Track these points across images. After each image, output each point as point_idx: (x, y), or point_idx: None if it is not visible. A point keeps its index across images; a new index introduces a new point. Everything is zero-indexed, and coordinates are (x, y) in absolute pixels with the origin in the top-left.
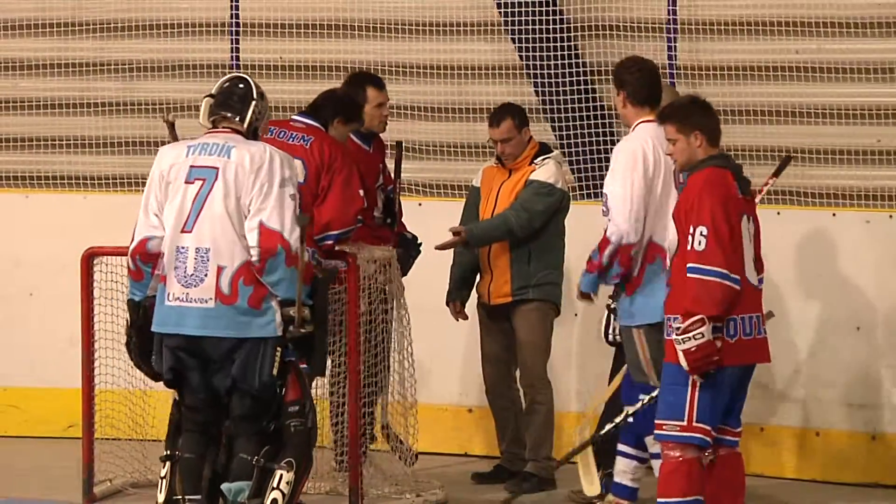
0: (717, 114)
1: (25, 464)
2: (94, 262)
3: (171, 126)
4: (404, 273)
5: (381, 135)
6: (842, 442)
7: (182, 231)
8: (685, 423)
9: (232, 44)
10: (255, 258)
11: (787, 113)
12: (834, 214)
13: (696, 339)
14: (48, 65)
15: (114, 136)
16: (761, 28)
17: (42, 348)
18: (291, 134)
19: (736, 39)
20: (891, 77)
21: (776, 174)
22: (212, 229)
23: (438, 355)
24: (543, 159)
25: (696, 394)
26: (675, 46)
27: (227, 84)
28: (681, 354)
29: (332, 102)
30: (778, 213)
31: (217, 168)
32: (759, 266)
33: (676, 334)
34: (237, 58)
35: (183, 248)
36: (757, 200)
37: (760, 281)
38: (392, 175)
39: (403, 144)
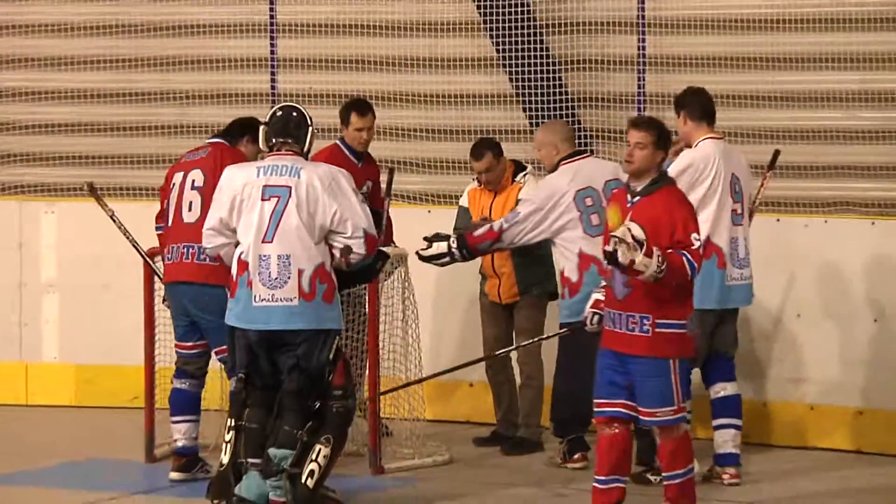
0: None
1: (98, 430)
2: (155, 260)
3: (91, 189)
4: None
5: (385, 159)
6: (833, 414)
7: (263, 242)
8: (675, 408)
9: (271, 76)
10: (358, 259)
11: (753, 103)
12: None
13: (643, 257)
14: (116, 94)
15: (171, 154)
16: (725, 23)
17: (112, 333)
18: (197, 151)
19: (702, 34)
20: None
21: (770, 167)
22: (290, 239)
23: (445, 338)
24: (524, 175)
25: (677, 380)
26: (644, 41)
27: (281, 113)
28: (643, 266)
29: (238, 125)
30: (778, 220)
31: (290, 187)
32: None
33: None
34: (275, 88)
35: (265, 256)
36: (759, 196)
37: None
38: (383, 195)
39: (395, 170)
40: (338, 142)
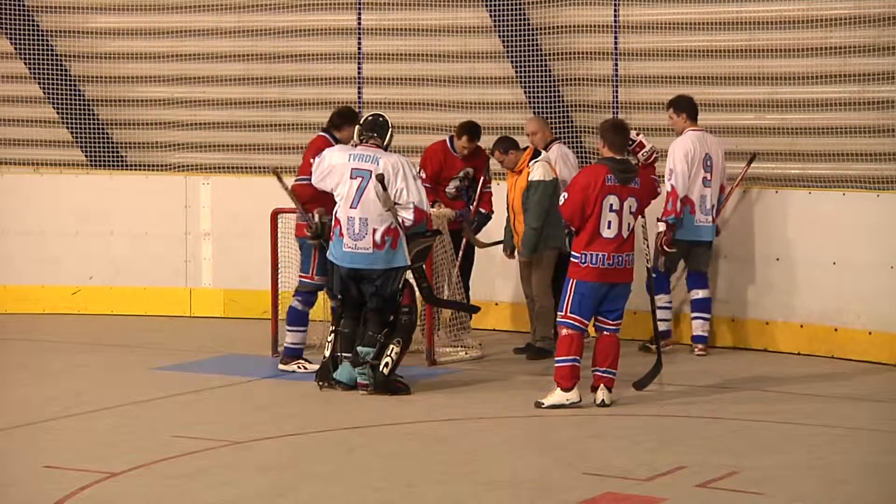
0: None
1: (237, 335)
2: (279, 216)
3: (278, 176)
4: (478, 231)
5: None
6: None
7: (350, 208)
8: (563, 313)
9: (358, 90)
10: (409, 223)
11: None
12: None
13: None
14: (249, 102)
15: (285, 145)
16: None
17: (248, 266)
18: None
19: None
20: None
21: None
22: (368, 207)
23: (492, 280)
24: (534, 163)
25: (571, 296)
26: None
27: (371, 117)
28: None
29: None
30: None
31: (370, 170)
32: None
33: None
34: (360, 98)
35: (351, 217)
36: (735, 186)
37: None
38: (483, 174)
39: (489, 157)
40: (447, 139)
